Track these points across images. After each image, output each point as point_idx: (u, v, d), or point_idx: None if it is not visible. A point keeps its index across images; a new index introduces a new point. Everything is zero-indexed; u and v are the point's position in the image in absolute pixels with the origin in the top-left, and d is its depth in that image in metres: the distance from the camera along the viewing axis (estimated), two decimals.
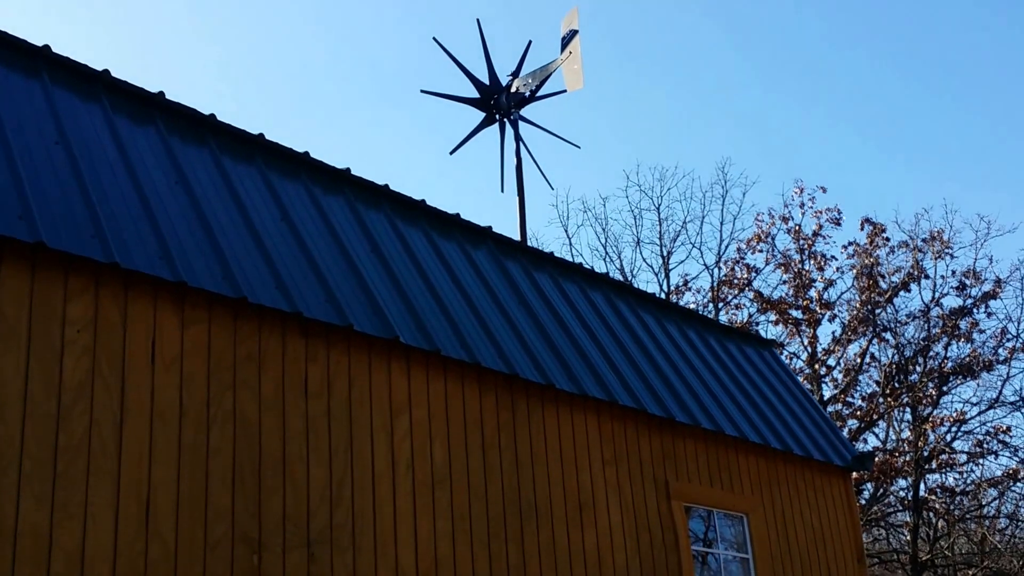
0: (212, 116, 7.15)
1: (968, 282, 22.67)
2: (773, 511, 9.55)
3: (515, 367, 7.46)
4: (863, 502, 22.08)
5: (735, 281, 25.07)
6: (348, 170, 7.93)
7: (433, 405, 7.00)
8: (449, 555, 6.73)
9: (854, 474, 10.79)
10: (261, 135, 7.44)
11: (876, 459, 20.65)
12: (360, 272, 7.05)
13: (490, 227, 8.94)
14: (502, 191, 15.45)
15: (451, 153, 15.85)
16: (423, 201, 8.43)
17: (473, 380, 7.33)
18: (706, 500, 8.83)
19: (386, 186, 8.16)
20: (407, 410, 6.83)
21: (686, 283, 25.77)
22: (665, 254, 26.16)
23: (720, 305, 24.90)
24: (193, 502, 5.56)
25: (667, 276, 26.05)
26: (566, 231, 31.65)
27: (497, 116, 15.42)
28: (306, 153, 7.67)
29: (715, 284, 25.30)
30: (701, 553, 8.77)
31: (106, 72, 6.69)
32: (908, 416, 23.18)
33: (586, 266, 9.85)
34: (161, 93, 6.89)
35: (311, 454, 6.18)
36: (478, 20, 14.52)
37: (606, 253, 26.36)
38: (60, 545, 4.99)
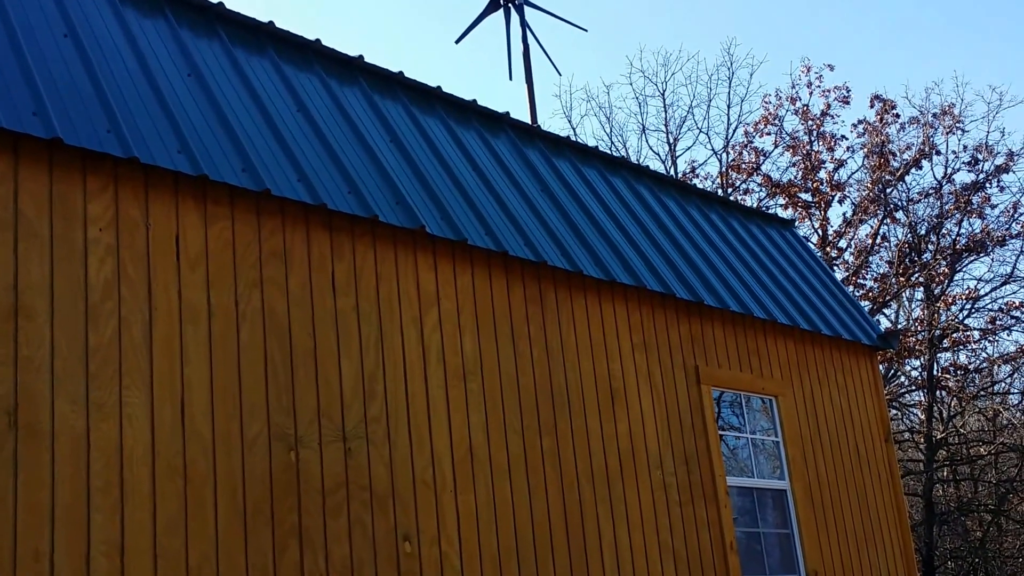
0: (221, 4, 6.89)
1: (981, 156, 22.37)
2: (802, 393, 9.50)
3: (542, 254, 7.33)
4: None
5: (743, 166, 24.79)
6: (361, 57, 7.69)
7: (461, 296, 6.89)
8: (483, 444, 6.68)
9: (879, 353, 10.72)
10: (271, 23, 7.19)
11: (901, 337, 20.67)
12: (381, 163, 6.87)
13: (507, 113, 8.71)
14: (510, 79, 15.09)
15: (456, 42, 15.44)
16: (439, 88, 8.20)
17: (500, 269, 7.20)
18: (735, 384, 8.77)
19: (401, 73, 7.93)
20: (435, 302, 6.71)
21: (693, 170, 25.48)
22: (671, 141, 25.81)
23: (729, 191, 24.66)
24: (228, 400, 5.48)
25: (674, 163, 25.75)
26: (570, 121, 31.25)
27: (502, 1, 15.02)
28: (318, 41, 7.42)
29: (723, 169, 25.03)
30: (730, 436, 8.74)
31: None
32: (920, 295, 23.14)
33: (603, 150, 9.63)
34: None
35: (341, 349, 6.09)
36: None
37: (611, 143, 26.03)
38: (98, 446, 4.92)
